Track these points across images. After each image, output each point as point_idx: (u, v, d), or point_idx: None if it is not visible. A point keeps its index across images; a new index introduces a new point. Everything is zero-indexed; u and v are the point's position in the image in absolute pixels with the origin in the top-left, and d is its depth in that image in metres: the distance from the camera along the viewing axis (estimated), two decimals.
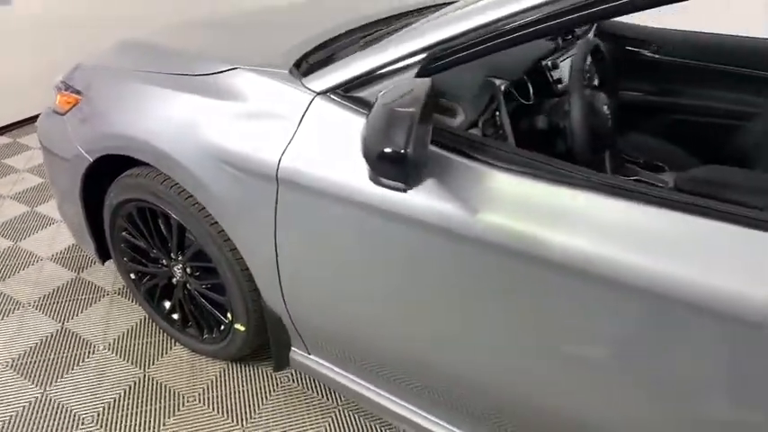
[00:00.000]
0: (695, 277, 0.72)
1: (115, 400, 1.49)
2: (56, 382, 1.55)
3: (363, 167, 0.82)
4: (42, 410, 1.46)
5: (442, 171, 0.91)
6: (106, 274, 1.97)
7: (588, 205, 0.80)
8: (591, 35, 1.87)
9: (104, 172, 1.46)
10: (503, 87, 1.11)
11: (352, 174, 0.97)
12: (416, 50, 0.93)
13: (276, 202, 1.10)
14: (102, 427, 1.42)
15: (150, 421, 1.44)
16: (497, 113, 1.10)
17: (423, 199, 0.91)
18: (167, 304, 1.65)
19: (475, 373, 1.02)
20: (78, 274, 1.99)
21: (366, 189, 0.96)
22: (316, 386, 1.56)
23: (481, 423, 1.10)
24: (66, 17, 3.17)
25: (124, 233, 1.56)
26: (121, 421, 1.44)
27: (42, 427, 1.41)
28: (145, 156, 1.32)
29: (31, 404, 1.48)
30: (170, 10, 3.44)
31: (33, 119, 1.52)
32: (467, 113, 1.02)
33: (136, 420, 1.44)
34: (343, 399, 1.52)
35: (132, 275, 1.66)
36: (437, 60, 0.92)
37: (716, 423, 0.80)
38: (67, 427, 1.42)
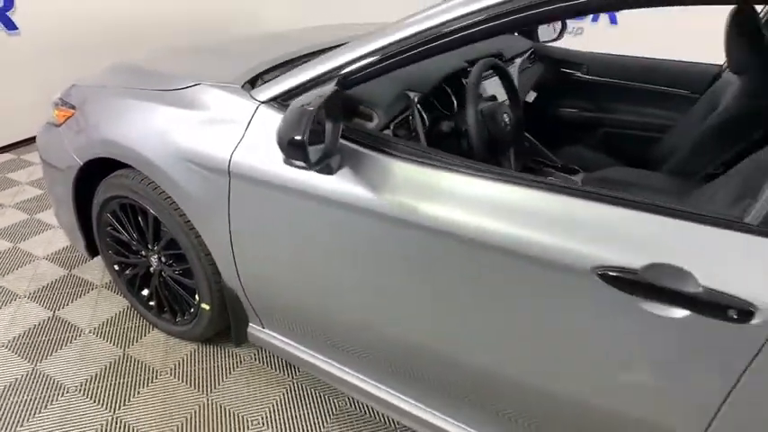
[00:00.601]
0: (533, 237, 0.95)
1: (96, 374, 1.70)
2: (45, 359, 1.76)
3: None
4: (32, 382, 1.67)
5: (357, 162, 1.15)
6: (95, 272, 2.20)
7: (461, 185, 1.03)
8: (522, 59, 2.13)
9: (93, 177, 1.70)
10: (416, 99, 1.36)
11: (284, 166, 1.20)
12: (334, 68, 1.18)
13: (229, 193, 1.34)
14: (84, 394, 1.63)
15: (127, 390, 1.65)
16: (411, 119, 1.34)
17: (342, 183, 1.15)
18: (146, 292, 1.87)
19: (399, 332, 1.23)
20: (70, 270, 2.21)
21: (299, 178, 1.19)
22: (275, 363, 1.77)
23: (414, 382, 1.30)
24: (68, 45, 3.46)
25: (109, 228, 1.80)
26: (101, 390, 1.64)
27: (32, 395, 1.62)
28: (127, 158, 1.55)
29: (23, 376, 1.69)
30: (165, 34, 3.75)
31: (35, 138, 1.74)
32: (381, 118, 1.26)
33: (114, 389, 1.65)
34: (298, 373, 1.73)
35: (116, 267, 1.89)
36: (350, 75, 1.16)
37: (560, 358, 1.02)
38: (53, 395, 1.62)
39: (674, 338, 0.89)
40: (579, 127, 2.36)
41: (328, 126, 1.06)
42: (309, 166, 1.00)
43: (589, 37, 4.59)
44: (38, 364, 1.74)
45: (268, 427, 1.55)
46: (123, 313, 1.98)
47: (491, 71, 1.67)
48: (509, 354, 1.09)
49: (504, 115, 1.44)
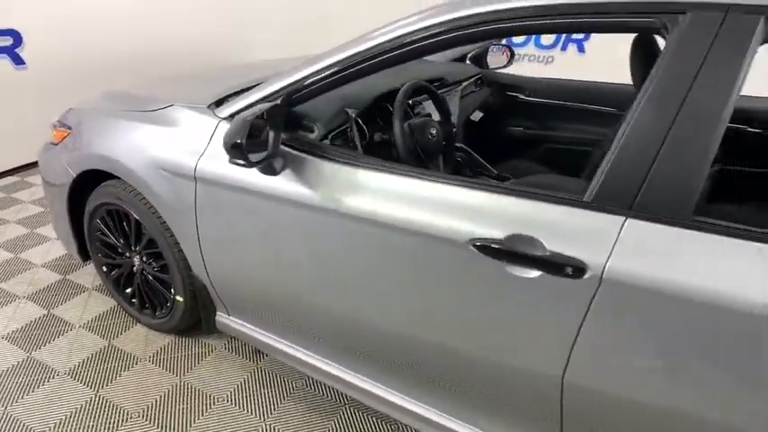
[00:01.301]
0: (426, 219, 1.19)
1: (84, 360, 1.92)
2: (39, 348, 1.98)
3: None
4: (27, 367, 1.89)
5: (297, 165, 1.40)
6: (87, 277, 2.43)
7: (375, 180, 1.28)
8: (467, 83, 2.41)
9: (84, 190, 1.96)
10: (354, 114, 1.62)
11: (241, 170, 1.45)
12: (280, 88, 1.44)
13: (195, 195, 1.59)
14: (71, 377, 1.85)
15: (109, 374, 1.87)
16: (349, 131, 1.60)
17: (285, 183, 1.39)
18: (129, 291, 2.11)
19: (338, 308, 1.44)
20: (65, 276, 2.45)
21: (252, 179, 1.44)
22: (242, 351, 1.99)
23: (351, 354, 1.51)
24: (70, 77, 3.77)
25: (98, 233, 2.04)
26: (87, 373, 1.86)
27: (26, 378, 1.84)
28: (114, 170, 1.81)
29: (18, 363, 1.91)
30: (162, 66, 4.06)
31: (37, 162, 1.98)
32: (320, 130, 1.52)
33: (98, 373, 1.86)
34: (262, 359, 1.95)
35: (104, 268, 2.13)
36: (293, 93, 1.42)
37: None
38: (45, 378, 1.84)
39: (531, 294, 1.11)
40: (524, 143, 2.61)
41: (271, 134, 1.32)
42: (248, 164, 1.26)
43: (558, 64, 4.93)
44: (32, 352, 1.96)
45: (232, 404, 1.76)
46: (111, 311, 2.21)
47: (425, 92, 1.94)
48: (422, 317, 1.31)
49: (433, 129, 1.70)
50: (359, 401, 1.66)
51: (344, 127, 1.61)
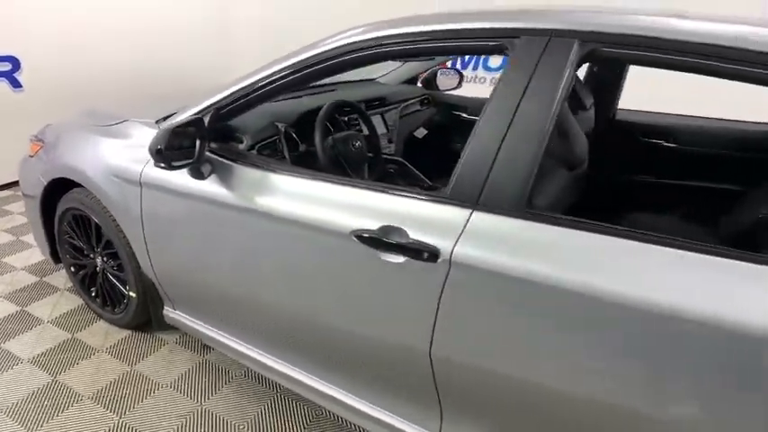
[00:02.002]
0: (320, 214, 1.38)
1: (47, 351, 2.12)
2: (9, 341, 2.18)
3: (182, 171, 1.54)
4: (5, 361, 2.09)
5: (223, 170, 1.61)
6: (61, 279, 2.64)
7: (284, 183, 1.48)
8: (409, 103, 2.62)
9: (56, 201, 2.18)
10: (283, 128, 1.83)
11: (179, 176, 1.66)
12: (210, 104, 1.65)
13: (141, 199, 1.80)
14: (34, 364, 2.04)
15: (69, 362, 2.06)
16: (278, 142, 1.82)
17: (212, 186, 1.60)
18: (93, 290, 2.31)
19: (261, 297, 1.62)
20: (41, 278, 2.67)
21: (187, 184, 1.64)
22: (191, 346, 2.17)
23: (281, 346, 1.69)
24: (64, 99, 4.04)
25: (66, 236, 2.26)
26: (49, 361, 2.05)
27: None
28: (78, 178, 2.04)
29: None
30: (150, 89, 4.34)
31: None
32: (248, 141, 1.73)
33: (59, 362, 2.05)
34: (208, 353, 2.13)
35: (72, 269, 2.34)
36: (220, 109, 1.64)
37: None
38: (10, 364, 2.03)
39: (400, 277, 1.30)
40: None
41: (197, 143, 1.53)
42: (169, 167, 1.47)
43: (489, 84, 5.15)
44: (1, 344, 2.16)
45: (175, 390, 1.94)
46: (78, 309, 2.41)
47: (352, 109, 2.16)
48: (319, 302, 1.49)
49: (356, 142, 1.91)
50: (287, 388, 1.83)
51: (274, 138, 1.83)
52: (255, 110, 1.74)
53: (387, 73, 2.96)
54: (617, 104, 2.41)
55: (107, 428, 1.76)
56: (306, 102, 2.07)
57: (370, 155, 2.06)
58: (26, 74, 3.85)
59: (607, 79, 2.32)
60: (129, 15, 4.45)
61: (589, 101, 2.13)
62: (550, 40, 1.20)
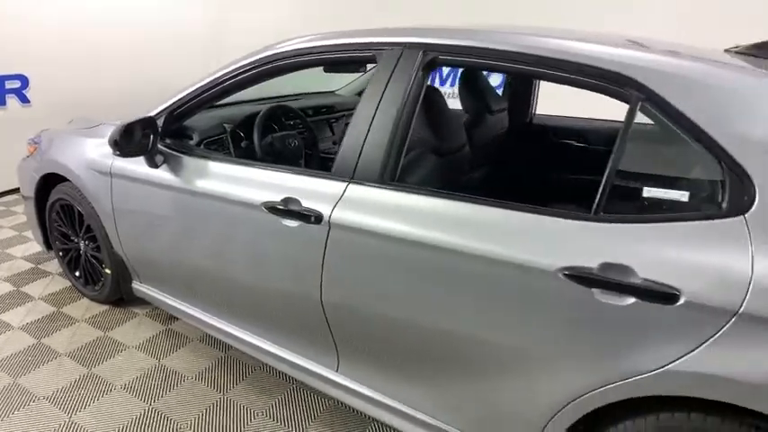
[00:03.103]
0: (247, 193, 1.73)
1: (35, 320, 2.48)
2: (3, 313, 2.55)
3: (142, 161, 1.91)
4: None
5: (174, 161, 1.97)
6: (54, 266, 3.02)
7: (219, 168, 1.83)
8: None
9: (48, 195, 2.57)
10: (228, 128, 2.21)
11: (140, 166, 2.02)
12: (166, 107, 2.03)
13: (111, 187, 2.17)
14: (23, 330, 2.40)
15: (53, 330, 2.42)
16: (225, 139, 2.19)
17: (164, 173, 1.96)
18: (77, 272, 2.68)
19: (207, 267, 1.97)
20: (37, 265, 3.05)
21: (146, 172, 2.01)
22: (160, 318, 2.52)
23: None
24: (68, 111, 4.48)
25: (56, 224, 2.64)
26: (36, 329, 2.42)
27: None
28: (64, 172, 2.42)
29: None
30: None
31: None
32: (197, 137, 2.10)
33: (43, 329, 2.42)
34: (174, 322, 2.47)
35: (60, 253, 2.72)
36: (173, 111, 2.01)
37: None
38: (2, 328, 2.40)
39: (295, 238, 1.63)
40: None
41: (150, 137, 1.90)
42: (123, 155, 1.84)
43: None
44: None
45: (139, 350, 2.28)
46: (65, 289, 2.78)
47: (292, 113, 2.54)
48: (238, 265, 1.84)
49: (292, 140, 2.28)
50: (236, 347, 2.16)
51: (221, 136, 2.20)
52: (209, 114, 2.12)
53: (345, 85, 3.34)
54: (534, 110, 2.75)
55: (77, 377, 2.10)
56: (255, 108, 2.45)
57: (308, 152, 2.42)
58: (33, 90, 4.30)
59: (521, 90, 2.67)
60: (128, 35, 4.90)
61: (498, 106, 2.46)
62: (403, 51, 1.55)
